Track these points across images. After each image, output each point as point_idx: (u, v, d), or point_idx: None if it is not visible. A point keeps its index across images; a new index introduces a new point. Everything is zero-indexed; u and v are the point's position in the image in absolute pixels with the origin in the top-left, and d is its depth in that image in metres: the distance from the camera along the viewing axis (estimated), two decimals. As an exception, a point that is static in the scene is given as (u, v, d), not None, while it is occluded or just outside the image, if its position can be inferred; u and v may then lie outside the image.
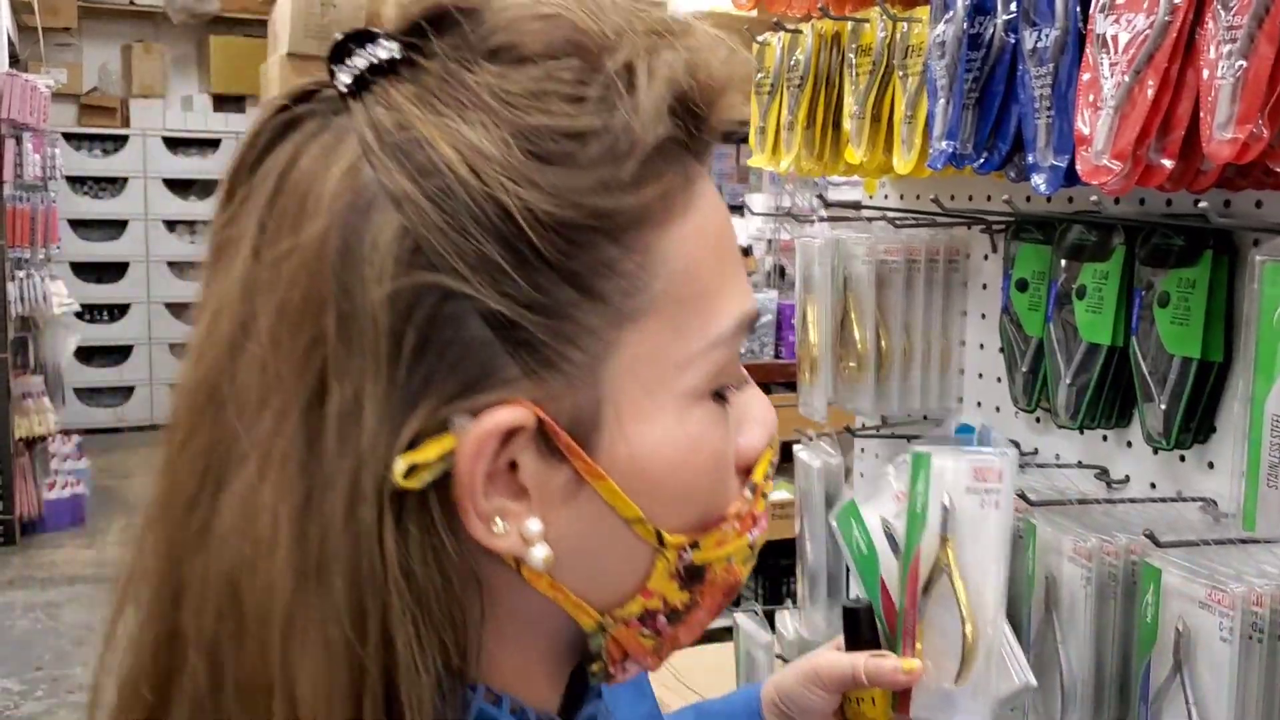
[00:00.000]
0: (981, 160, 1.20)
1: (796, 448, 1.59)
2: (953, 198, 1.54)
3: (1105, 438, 1.33)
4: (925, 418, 1.59)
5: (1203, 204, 0.97)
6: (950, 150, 1.21)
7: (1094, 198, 1.28)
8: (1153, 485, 1.26)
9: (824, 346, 1.55)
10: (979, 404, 1.54)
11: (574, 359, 0.53)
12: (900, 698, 0.94)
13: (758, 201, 4.96)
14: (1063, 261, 1.30)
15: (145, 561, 0.54)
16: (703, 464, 0.57)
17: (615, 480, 0.55)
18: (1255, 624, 0.96)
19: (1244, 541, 1.03)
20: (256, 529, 0.50)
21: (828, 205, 1.51)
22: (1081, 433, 1.36)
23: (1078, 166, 1.03)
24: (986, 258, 1.51)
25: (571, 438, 0.54)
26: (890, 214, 1.51)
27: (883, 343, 1.54)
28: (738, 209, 6.42)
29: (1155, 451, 1.27)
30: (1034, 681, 0.96)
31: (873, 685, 0.93)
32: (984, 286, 1.52)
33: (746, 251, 4.49)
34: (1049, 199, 1.34)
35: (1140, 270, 1.20)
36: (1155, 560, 1.02)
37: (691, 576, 0.59)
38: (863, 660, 0.93)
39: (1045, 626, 1.15)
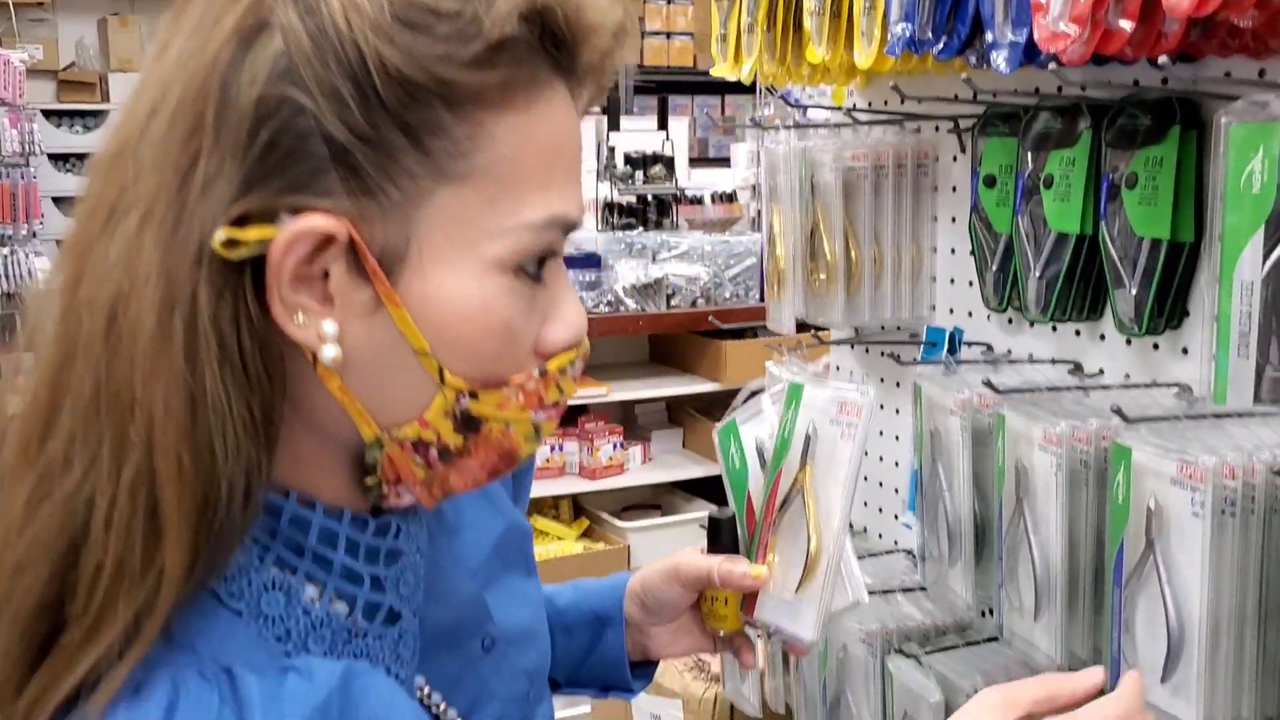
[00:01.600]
0: (940, 45, 1.17)
1: (769, 364, 1.56)
2: (920, 100, 1.50)
3: (1078, 332, 1.30)
4: (898, 328, 1.55)
5: (1163, 59, 0.93)
6: (908, 34, 1.17)
7: (1060, 86, 1.24)
8: (1127, 376, 1.23)
9: (791, 259, 1.52)
10: (951, 310, 1.50)
11: (391, 195, 0.62)
12: (747, 601, 1.02)
13: (741, 151, 4.91)
14: (1029, 152, 1.27)
15: (55, 283, 0.64)
16: (491, 325, 0.65)
17: (410, 312, 0.64)
18: (1227, 498, 0.93)
19: (1216, 416, 1.01)
20: (135, 267, 0.60)
21: (791, 105, 1.47)
22: (1055, 330, 1.33)
23: (1035, 35, 0.99)
24: (955, 159, 1.47)
25: (378, 263, 0.63)
26: (855, 113, 1.47)
27: (852, 253, 1.50)
28: (724, 160, 6.38)
29: (1128, 342, 1.24)
30: (865, 599, 1.04)
31: (724, 587, 1.01)
32: (954, 189, 1.49)
33: (730, 198, 4.46)
34: (1015, 90, 1.30)
35: (1108, 154, 1.17)
36: (1125, 439, 0.99)
37: (467, 423, 0.67)
38: (718, 563, 1.01)
39: (1016, 518, 1.12)
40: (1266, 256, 0.93)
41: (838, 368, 1.75)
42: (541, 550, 3.72)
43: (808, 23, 1.38)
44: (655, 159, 3.98)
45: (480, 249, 0.64)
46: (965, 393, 1.21)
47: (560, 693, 1.10)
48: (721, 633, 1.05)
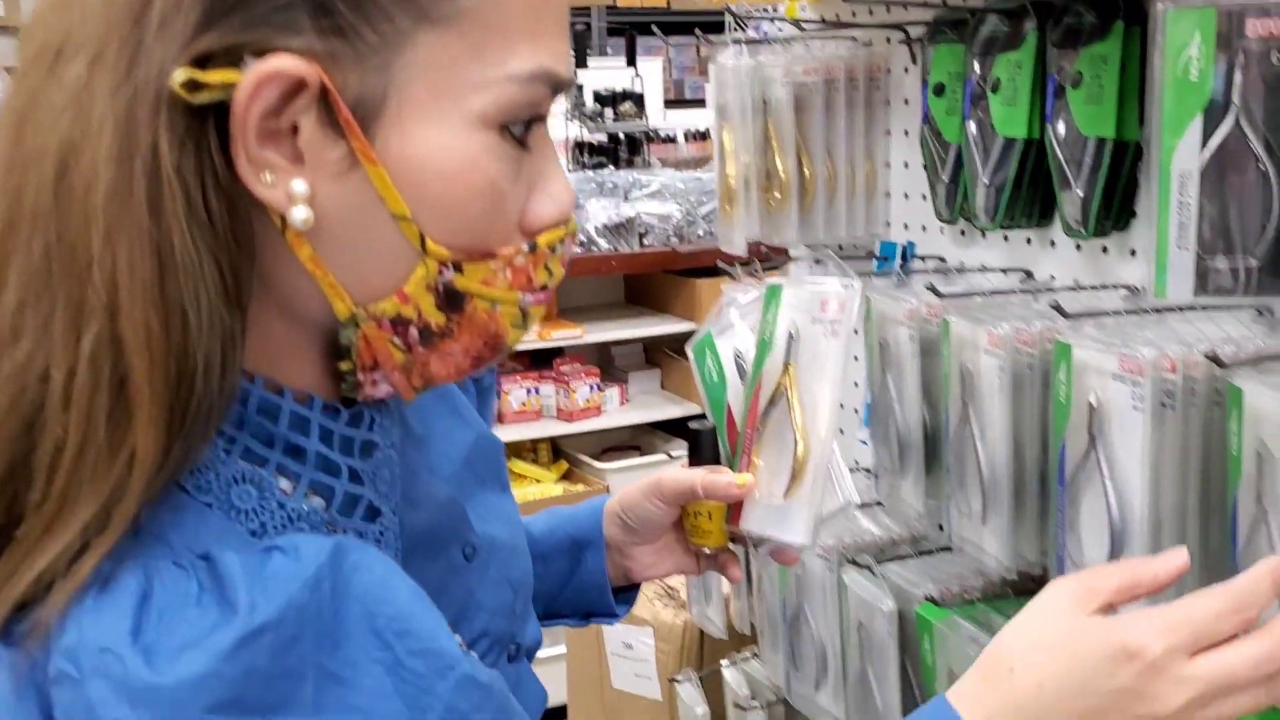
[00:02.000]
0: (880, -55, 1.14)
1: (724, 285, 1.54)
2: (871, 12, 1.48)
3: (1029, 240, 1.29)
4: (855, 246, 1.54)
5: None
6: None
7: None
8: (1076, 281, 1.22)
9: (741, 177, 1.50)
10: (906, 225, 1.49)
11: (368, 38, 0.58)
12: (733, 511, 0.97)
13: (710, 91, 4.86)
14: (976, 58, 1.25)
15: (4, 122, 0.59)
16: (477, 185, 0.61)
17: (388, 171, 0.59)
18: (1168, 390, 0.93)
19: (1159, 311, 1.00)
20: (86, 114, 0.55)
21: (737, 18, 1.45)
22: (1006, 240, 1.32)
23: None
24: (907, 70, 1.45)
25: (353, 115, 0.58)
26: (803, 23, 1.45)
27: (806, 170, 1.49)
28: (700, 102, 6.31)
29: (1078, 247, 1.23)
30: (857, 500, 1.01)
31: (708, 498, 0.96)
32: (905, 102, 1.47)
33: (704, 136, 4.42)
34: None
35: (1052, 54, 1.15)
36: (1067, 336, 0.98)
37: (450, 300, 0.63)
38: (701, 474, 0.96)
39: (963, 424, 1.12)
40: (1205, 145, 0.91)
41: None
42: (521, 493, 3.72)
43: (752, -68, 1.35)
44: (625, 96, 3.94)
45: (464, 102, 0.60)
46: (913, 303, 1.20)
47: (540, 624, 1.06)
48: (706, 549, 1.01)
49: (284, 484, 0.64)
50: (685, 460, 1.01)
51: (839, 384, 0.95)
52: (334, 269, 0.61)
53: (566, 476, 3.92)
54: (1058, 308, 0.97)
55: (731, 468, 0.99)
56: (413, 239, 0.61)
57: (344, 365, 0.65)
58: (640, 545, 1.03)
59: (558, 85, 0.63)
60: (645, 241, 3.75)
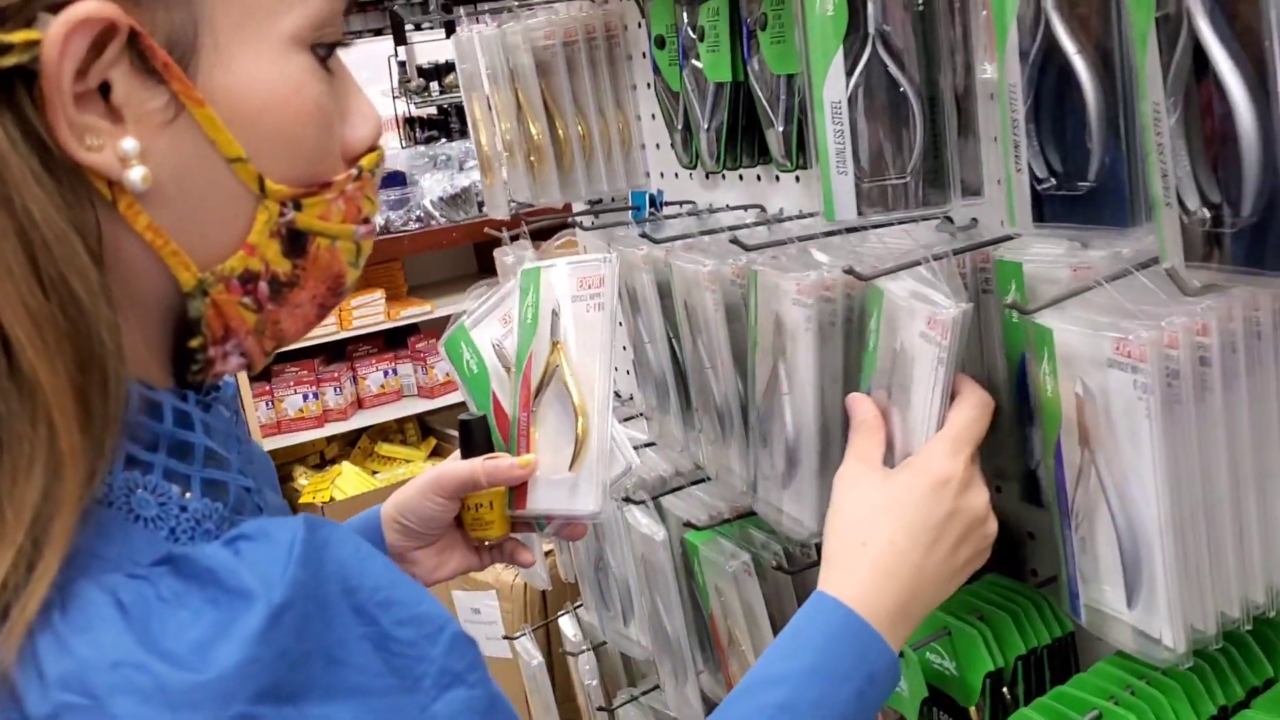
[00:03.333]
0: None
1: (496, 251, 1.59)
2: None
3: (759, 178, 1.36)
4: (614, 199, 1.60)
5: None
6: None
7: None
8: (800, 210, 1.30)
9: (496, 145, 1.54)
10: (661, 174, 1.55)
11: None
12: (515, 496, 0.98)
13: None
14: (684, 9, 1.30)
15: None
16: (306, 109, 0.59)
17: (216, 110, 0.56)
18: (833, 309, 1.00)
19: (837, 233, 1.07)
20: None
21: (477, 15, 1.48)
22: (741, 178, 1.39)
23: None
24: (640, 25, 1.51)
25: (170, 56, 0.55)
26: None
27: (560, 131, 1.54)
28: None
29: (797, 179, 1.30)
30: (637, 462, 1.03)
31: (491, 485, 0.96)
32: (643, 55, 1.52)
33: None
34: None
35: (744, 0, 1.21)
36: (757, 266, 1.05)
37: (294, 243, 0.61)
38: (479, 463, 0.96)
39: (695, 356, 1.18)
40: (849, 76, 0.98)
41: (584, 248, 1.80)
42: (391, 475, 3.75)
43: (465, -94, 1.39)
44: (449, 67, 3.93)
45: (275, 24, 0.58)
46: (646, 248, 1.26)
47: None
48: (489, 540, 1.01)
49: (174, 488, 0.59)
50: (458, 454, 1.01)
51: (609, 353, 0.97)
52: (174, 234, 0.57)
53: (436, 453, 3.96)
54: (737, 242, 1.03)
55: (510, 451, 0.99)
56: (250, 181, 0.58)
57: (194, 342, 0.61)
58: (422, 548, 1.02)
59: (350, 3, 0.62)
60: (484, 209, 3.77)
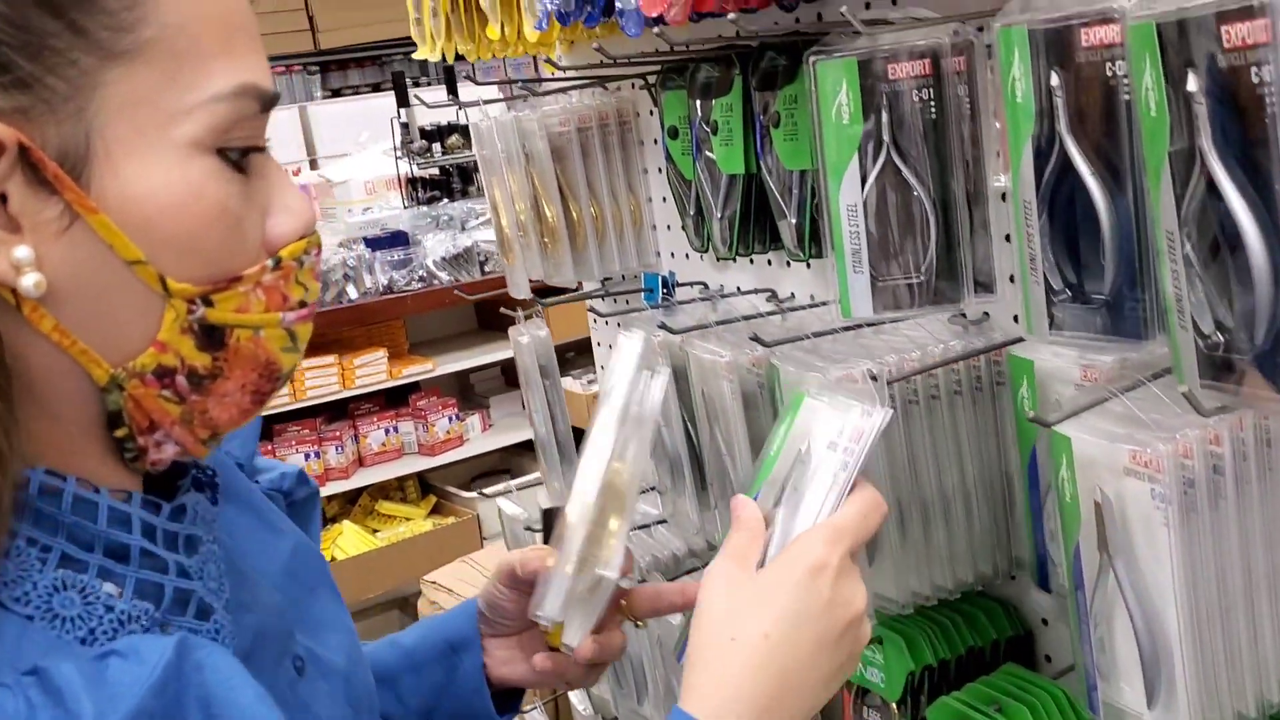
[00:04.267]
0: (584, 15, 1.23)
1: (511, 329, 1.62)
2: (616, 61, 1.57)
3: (770, 262, 1.39)
4: (636, 276, 1.63)
5: (731, 17, 1.01)
6: (554, 7, 1.23)
7: (720, 35, 1.32)
8: (812, 296, 1.33)
9: (514, 226, 1.57)
10: (672, 254, 1.58)
11: (56, 88, 0.57)
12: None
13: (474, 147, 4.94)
14: (697, 102, 1.34)
15: None
16: (206, 212, 0.60)
17: (110, 217, 0.58)
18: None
19: (858, 327, 1.10)
20: None
21: (477, 84, 1.52)
22: (752, 262, 1.42)
23: (638, 1, 1.06)
24: (651, 113, 1.55)
25: (61, 168, 0.57)
26: (531, 84, 1.53)
27: (573, 213, 1.57)
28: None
29: (808, 265, 1.33)
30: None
31: (526, 576, 0.90)
32: (655, 141, 1.56)
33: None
34: (688, 46, 1.37)
35: (756, 96, 1.25)
36: (776, 359, 1.08)
37: (210, 336, 0.62)
38: (520, 552, 0.91)
39: (713, 443, 1.21)
40: (864, 180, 1.02)
41: (594, 321, 1.83)
42: (391, 534, 3.75)
43: (483, 2, 1.43)
44: (451, 129, 3.99)
45: (172, 132, 0.59)
46: (662, 335, 1.29)
47: None
48: (561, 647, 0.86)
49: (109, 587, 0.60)
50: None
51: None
52: (80, 335, 0.59)
53: (436, 510, 3.97)
54: (756, 339, 1.06)
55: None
56: (152, 282, 0.60)
57: (120, 433, 0.63)
58: (493, 637, 0.95)
59: (267, 101, 0.63)
60: (486, 269, 3.81)
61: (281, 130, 5.38)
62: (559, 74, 1.56)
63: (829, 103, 1.02)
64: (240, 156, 0.62)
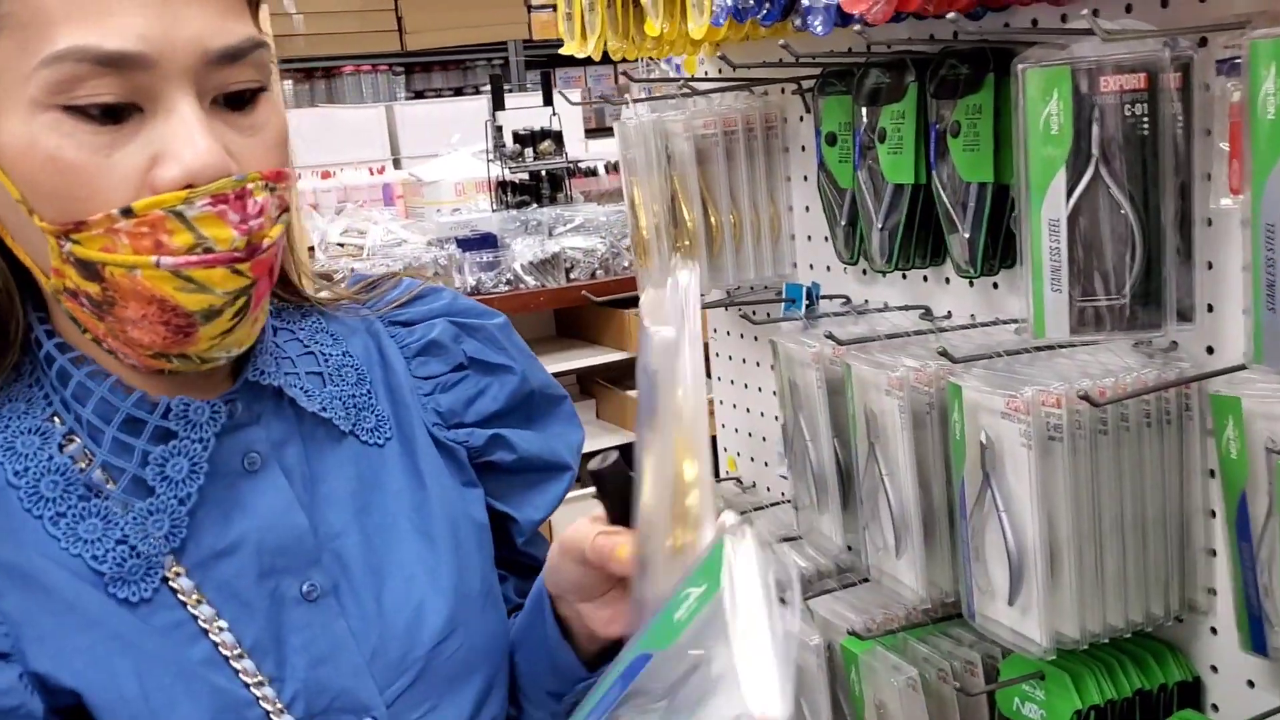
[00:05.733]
0: (763, 12, 1.20)
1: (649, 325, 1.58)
2: (764, 64, 1.53)
3: (925, 278, 1.35)
4: (765, 287, 1.59)
5: (951, 15, 0.97)
6: (732, 3, 1.20)
7: (887, 43, 1.28)
8: (972, 316, 1.28)
9: (653, 229, 1.54)
10: (811, 266, 1.55)
11: None
12: None
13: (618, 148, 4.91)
14: (863, 108, 1.30)
15: None
16: (38, 160, 0.69)
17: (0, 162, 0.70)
18: (1053, 424, 0.98)
19: (1050, 349, 1.06)
20: None
21: (634, 80, 1.49)
22: (904, 278, 1.38)
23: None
24: (801, 119, 1.51)
25: None
26: (693, 83, 1.50)
27: (711, 218, 1.54)
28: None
29: (971, 283, 1.29)
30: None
31: (598, 563, 0.79)
32: (803, 149, 1.52)
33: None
34: (850, 50, 1.33)
35: (932, 105, 1.21)
36: (957, 378, 1.04)
37: (86, 269, 0.71)
38: (593, 534, 0.80)
39: (871, 462, 1.17)
40: (1070, 194, 0.98)
41: (714, 330, 1.79)
42: (463, 534, 3.73)
43: (644, -3, 1.40)
44: (544, 135, 3.97)
45: (22, 92, 0.69)
46: (817, 345, 1.25)
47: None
48: None
49: (71, 447, 0.76)
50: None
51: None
52: (24, 252, 0.75)
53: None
54: (945, 353, 1.02)
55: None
56: (31, 218, 0.71)
57: (86, 334, 0.76)
58: (585, 603, 0.87)
59: (102, 59, 0.68)
60: (572, 275, 3.78)
61: (368, 129, 5.42)
62: (705, 77, 1.53)
63: (1036, 113, 0.97)
64: (103, 111, 0.69)
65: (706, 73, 1.67)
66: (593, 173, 4.48)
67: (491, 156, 3.92)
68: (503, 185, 3.97)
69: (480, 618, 0.89)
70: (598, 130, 6.33)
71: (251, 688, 0.76)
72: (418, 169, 4.34)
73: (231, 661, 0.76)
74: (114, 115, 0.70)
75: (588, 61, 1.63)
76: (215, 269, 0.71)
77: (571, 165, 4.22)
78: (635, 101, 1.51)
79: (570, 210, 3.97)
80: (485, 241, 3.63)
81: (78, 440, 0.77)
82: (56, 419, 0.77)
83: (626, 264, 3.89)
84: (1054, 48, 1.01)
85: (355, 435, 0.87)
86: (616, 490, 0.77)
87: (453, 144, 4.31)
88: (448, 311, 0.96)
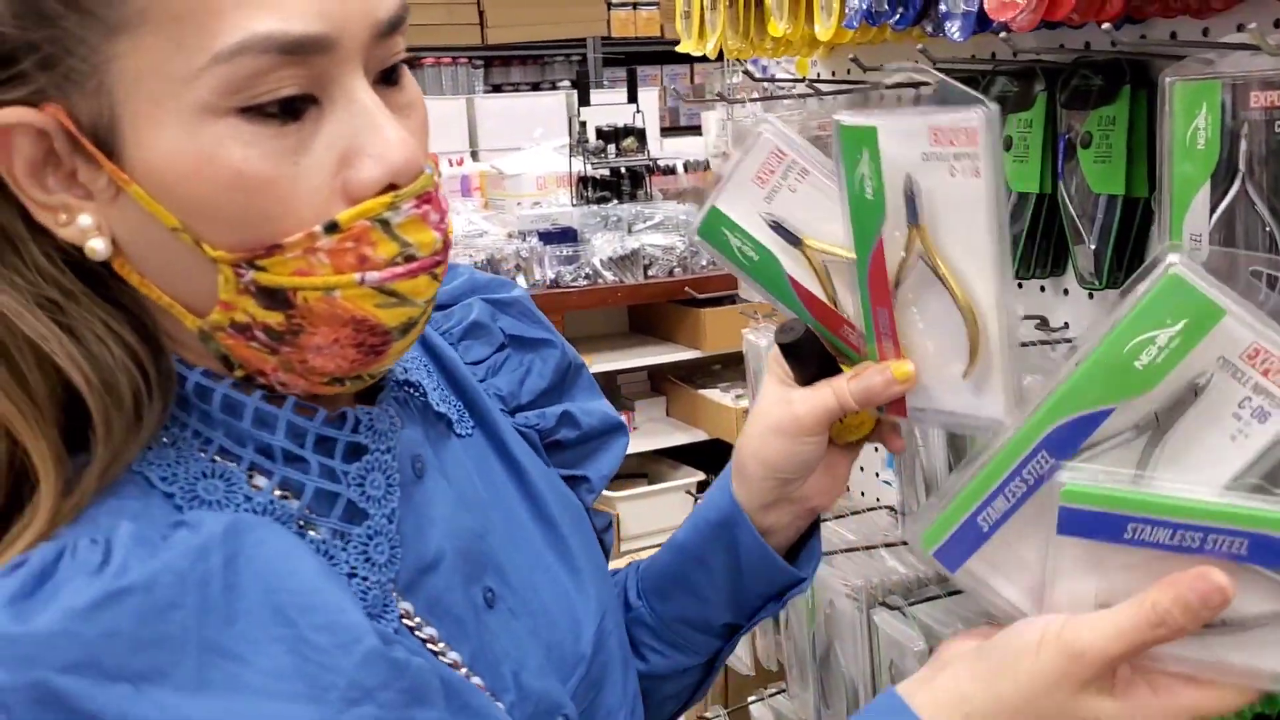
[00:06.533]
0: (897, 16, 1.20)
1: (745, 331, 1.60)
2: (881, 67, 1.54)
3: (1043, 288, 1.34)
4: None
5: (1105, 26, 0.97)
6: (865, 6, 1.20)
7: (1015, 50, 1.28)
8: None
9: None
10: (922, 272, 1.54)
11: (76, 66, 0.58)
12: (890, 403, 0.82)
13: (711, 119, 4.92)
14: (989, 116, 1.30)
15: None
16: (220, 179, 0.59)
17: (144, 187, 0.60)
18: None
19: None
20: None
21: (754, 79, 1.50)
22: (1020, 286, 1.38)
23: (985, 4, 1.03)
24: (918, 124, 1.51)
25: (95, 144, 0.59)
26: (818, 84, 1.51)
27: (823, 220, 1.54)
28: (695, 129, 6.40)
29: (1090, 295, 1.28)
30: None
31: (865, 406, 0.82)
32: (918, 154, 1.52)
33: (705, 166, 4.48)
34: (974, 56, 1.34)
35: (1062, 115, 1.21)
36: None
37: (272, 297, 0.61)
38: (844, 385, 0.81)
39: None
40: (1214, 209, 0.97)
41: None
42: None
43: (769, -2, 1.41)
44: (627, 131, 4.00)
45: (182, 99, 0.58)
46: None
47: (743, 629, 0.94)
48: (858, 440, 0.88)
49: (260, 481, 0.65)
50: (780, 377, 0.86)
51: (993, 231, 0.74)
52: (164, 289, 0.64)
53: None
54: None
55: (849, 359, 0.83)
56: (195, 248, 0.61)
57: (238, 373, 0.66)
58: (809, 479, 0.88)
59: (285, 45, 0.57)
60: (650, 273, 3.81)
61: (448, 120, 5.48)
62: (819, 79, 1.53)
63: (1184, 125, 0.97)
64: (282, 109, 0.59)
65: (819, 74, 1.68)
66: (671, 170, 4.50)
67: (575, 151, 3.96)
68: (584, 180, 4.00)
69: (611, 592, 0.89)
70: (671, 129, 6.35)
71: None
72: (499, 161, 4.38)
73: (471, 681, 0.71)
74: (293, 112, 0.59)
75: (663, 59, 1.64)
76: (419, 277, 0.63)
77: (651, 162, 4.25)
78: (752, 100, 1.52)
79: (650, 207, 3.99)
80: (565, 235, 3.67)
81: (270, 473, 0.66)
82: (220, 457, 0.65)
83: (704, 262, 3.90)
84: (1200, 62, 1.01)
85: (453, 429, 0.83)
86: (812, 354, 0.84)
87: (535, 138, 4.35)
88: (471, 288, 0.92)
